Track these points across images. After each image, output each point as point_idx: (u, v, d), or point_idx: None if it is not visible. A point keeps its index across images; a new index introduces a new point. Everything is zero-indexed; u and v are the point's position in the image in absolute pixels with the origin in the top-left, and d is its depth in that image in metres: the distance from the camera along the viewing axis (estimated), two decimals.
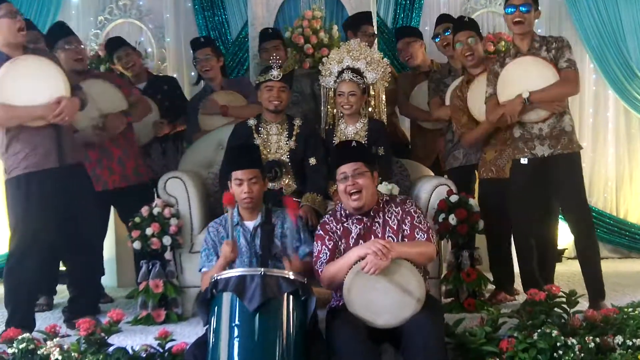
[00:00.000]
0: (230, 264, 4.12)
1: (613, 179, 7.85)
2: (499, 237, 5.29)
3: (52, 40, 5.50)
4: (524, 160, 4.88)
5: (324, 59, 5.49)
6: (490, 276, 5.25)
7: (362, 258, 3.77)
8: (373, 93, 5.35)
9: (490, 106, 4.97)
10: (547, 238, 5.19)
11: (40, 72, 4.62)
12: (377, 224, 4.07)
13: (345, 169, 4.05)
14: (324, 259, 4.04)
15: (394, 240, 4.00)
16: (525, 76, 4.80)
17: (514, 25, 4.86)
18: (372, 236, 4.02)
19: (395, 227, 4.05)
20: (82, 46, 5.69)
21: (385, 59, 5.44)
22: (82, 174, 4.92)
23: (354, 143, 4.23)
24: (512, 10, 4.81)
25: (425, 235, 3.99)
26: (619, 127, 7.85)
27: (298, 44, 6.67)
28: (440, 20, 6.19)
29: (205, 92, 6.27)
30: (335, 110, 5.35)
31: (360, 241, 4.00)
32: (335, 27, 6.82)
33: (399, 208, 4.09)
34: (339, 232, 4.09)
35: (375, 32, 6.67)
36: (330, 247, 4.06)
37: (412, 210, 4.07)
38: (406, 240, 4.00)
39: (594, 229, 5.09)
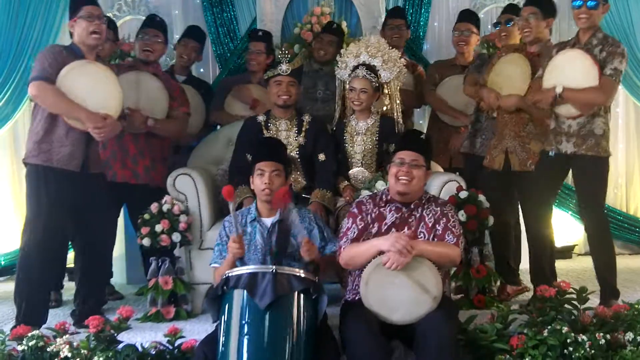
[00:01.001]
0: (241, 260, 4.09)
1: (623, 175, 7.81)
2: (498, 229, 5.26)
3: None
4: (551, 153, 4.88)
5: (341, 51, 5.48)
6: None
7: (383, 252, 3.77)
8: (387, 91, 5.34)
9: (534, 86, 4.97)
10: (547, 232, 5.15)
11: (105, 84, 4.70)
12: (413, 217, 4.07)
13: (405, 155, 4.05)
14: (351, 236, 4.04)
15: (425, 237, 4.01)
16: (569, 69, 4.75)
17: (577, 19, 4.81)
18: (406, 228, 4.01)
19: (430, 224, 4.04)
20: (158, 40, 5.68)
21: (402, 59, 5.42)
22: (101, 182, 4.95)
23: (423, 135, 4.22)
24: (579, 4, 4.76)
25: (455, 239, 3.98)
26: (629, 123, 7.81)
27: (307, 40, 6.66)
28: (506, 10, 6.11)
29: (241, 78, 6.36)
30: (347, 105, 5.34)
31: (393, 229, 3.99)
32: (344, 24, 6.81)
33: (439, 208, 4.09)
34: (372, 215, 4.08)
35: (406, 25, 6.65)
36: (360, 227, 4.06)
37: (449, 214, 4.07)
38: (436, 239, 4.00)
39: (608, 230, 5.02)
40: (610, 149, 4.84)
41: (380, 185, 4.80)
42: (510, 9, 5.93)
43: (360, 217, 4.09)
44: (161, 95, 5.48)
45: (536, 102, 4.89)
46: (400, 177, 4.01)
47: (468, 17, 6.42)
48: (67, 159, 4.65)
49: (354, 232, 4.04)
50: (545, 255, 5.01)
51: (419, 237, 4.01)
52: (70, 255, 5.88)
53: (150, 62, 5.56)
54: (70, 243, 5.53)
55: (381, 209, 4.10)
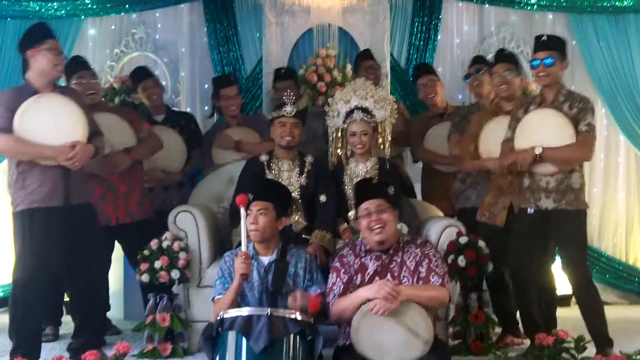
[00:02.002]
0: (238, 302, 4.10)
1: (623, 224, 7.79)
2: (500, 281, 5.26)
3: (68, 73, 5.54)
4: (530, 210, 4.87)
5: (329, 100, 5.50)
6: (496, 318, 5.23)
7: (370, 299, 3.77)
8: (379, 130, 5.36)
9: (504, 149, 4.96)
10: (546, 284, 5.14)
11: (63, 112, 4.64)
12: (394, 263, 4.08)
13: (369, 205, 4.08)
14: (337, 292, 4.06)
15: (409, 280, 4.01)
16: (543, 128, 4.79)
17: (537, 78, 4.89)
18: (389, 274, 4.03)
19: (412, 267, 4.05)
20: (95, 80, 5.73)
21: (392, 96, 5.47)
22: (89, 212, 4.92)
23: (375, 180, 4.25)
24: (537, 63, 4.82)
25: (440, 280, 3.98)
26: (629, 172, 7.79)
27: (311, 81, 6.71)
28: (475, 61, 6.18)
29: (219, 127, 6.36)
30: (342, 151, 5.35)
31: (376, 278, 4.01)
32: (349, 66, 6.86)
33: (419, 249, 4.10)
34: (355, 267, 4.10)
35: (379, 64, 6.76)
36: (344, 280, 4.07)
37: (430, 254, 4.08)
38: (421, 282, 4.00)
39: (592, 283, 5.00)
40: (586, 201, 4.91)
41: None
42: (479, 60, 6.09)
43: (343, 270, 4.11)
44: (120, 123, 5.57)
45: (512, 164, 4.87)
46: (373, 228, 4.04)
47: (427, 69, 6.69)
48: (49, 197, 4.62)
49: (340, 287, 4.06)
50: (534, 304, 4.98)
51: (403, 281, 4.01)
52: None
53: (93, 105, 5.48)
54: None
55: (362, 259, 4.12)
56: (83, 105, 4.81)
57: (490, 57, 6.40)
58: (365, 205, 4.09)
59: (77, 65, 5.70)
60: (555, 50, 4.83)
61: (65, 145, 4.56)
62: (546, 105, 4.85)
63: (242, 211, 4.14)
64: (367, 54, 6.78)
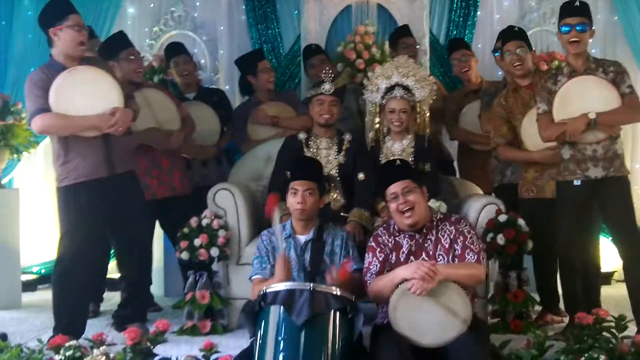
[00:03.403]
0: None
1: None
2: (545, 257, 5.23)
3: (113, 50, 5.59)
4: (577, 182, 4.80)
5: (369, 74, 5.47)
6: (537, 296, 5.20)
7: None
8: (418, 110, 5.33)
9: (544, 123, 4.84)
10: (592, 261, 5.09)
11: (96, 83, 4.68)
12: (429, 241, 4.06)
13: (394, 188, 4.05)
14: (374, 271, 4.05)
15: (444, 259, 4.00)
16: (587, 96, 4.70)
17: (569, 45, 4.78)
18: (423, 253, 4.02)
19: (447, 246, 4.03)
20: (140, 58, 5.81)
21: (432, 77, 5.43)
22: (133, 181, 4.96)
23: (398, 162, 4.22)
24: (568, 29, 4.73)
25: (476, 256, 3.96)
26: None
27: (350, 59, 6.68)
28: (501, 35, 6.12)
29: (251, 104, 6.36)
30: (379, 127, 5.34)
31: (411, 257, 4.00)
32: (388, 43, 6.82)
33: (453, 227, 4.08)
34: (390, 245, 4.09)
35: (417, 41, 6.76)
36: (380, 259, 4.07)
37: (465, 230, 4.06)
38: (457, 260, 3.98)
39: None
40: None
41: None
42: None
43: (378, 249, 4.11)
44: (167, 101, 5.70)
45: (560, 135, 4.77)
46: (402, 211, 4.00)
47: (461, 44, 6.62)
48: (94, 168, 4.67)
49: (376, 266, 4.06)
50: (577, 282, 4.93)
51: (439, 260, 3.99)
52: (111, 266, 5.96)
53: (138, 83, 5.66)
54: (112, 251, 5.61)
55: (396, 238, 4.10)
56: (111, 72, 4.88)
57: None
58: (391, 189, 4.06)
59: (126, 42, 5.78)
60: (586, 16, 4.75)
61: (105, 113, 4.61)
62: (578, 74, 4.77)
63: (276, 216, 4.13)
64: (405, 31, 6.75)
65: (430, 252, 4.03)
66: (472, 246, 3.99)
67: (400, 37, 6.67)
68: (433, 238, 4.06)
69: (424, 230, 4.06)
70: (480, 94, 6.08)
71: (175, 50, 6.56)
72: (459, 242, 4.01)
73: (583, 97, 4.71)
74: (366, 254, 4.16)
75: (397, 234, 4.11)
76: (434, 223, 4.10)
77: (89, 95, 4.63)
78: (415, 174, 4.25)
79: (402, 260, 4.03)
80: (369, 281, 4.05)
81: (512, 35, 5.43)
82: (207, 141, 6.16)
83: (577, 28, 4.71)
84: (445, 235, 4.06)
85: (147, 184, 5.42)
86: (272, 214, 4.21)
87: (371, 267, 4.07)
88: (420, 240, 4.05)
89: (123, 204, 4.82)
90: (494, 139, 5.41)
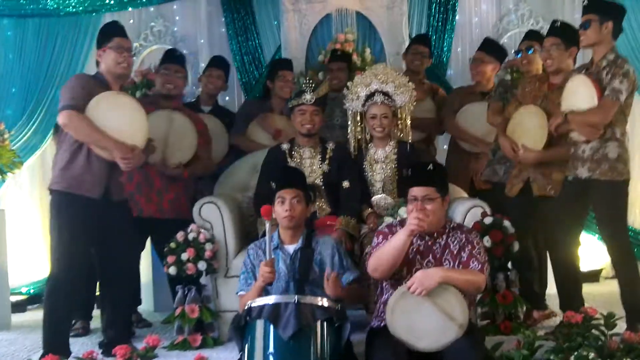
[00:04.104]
0: (265, 289, 4.12)
1: None
2: (524, 255, 5.24)
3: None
4: (570, 178, 4.88)
5: (348, 83, 5.47)
6: None
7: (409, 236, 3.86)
8: (399, 116, 5.35)
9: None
10: (569, 258, 5.10)
11: (132, 115, 4.78)
12: (438, 244, 4.07)
13: (416, 192, 4.03)
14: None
15: (450, 264, 4.01)
16: (577, 93, 4.78)
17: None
18: (430, 255, 4.04)
19: (455, 252, 4.04)
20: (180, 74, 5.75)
21: (410, 83, 5.42)
22: (125, 209, 4.99)
23: (430, 167, 4.15)
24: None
25: (480, 266, 3.97)
26: None
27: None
28: (527, 36, 6.11)
29: (264, 105, 6.40)
30: (362, 135, 5.35)
31: (418, 257, 4.01)
32: (368, 50, 6.86)
33: (464, 235, 4.09)
34: None
35: (430, 54, 6.75)
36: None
37: (474, 241, 4.07)
38: (461, 266, 4.00)
39: (632, 254, 4.96)
40: (630, 172, 4.83)
41: (403, 211, 4.78)
42: (532, 36, 5.93)
43: (390, 235, 4.08)
44: (191, 133, 5.58)
45: (556, 128, 4.87)
46: (417, 217, 3.98)
47: (482, 46, 6.46)
48: (90, 186, 4.68)
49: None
50: (570, 280, 4.97)
51: (445, 264, 4.01)
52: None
53: (172, 97, 5.63)
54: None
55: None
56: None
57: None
58: (413, 191, 4.04)
59: (168, 58, 5.86)
60: (593, 12, 4.75)
61: (126, 145, 4.66)
62: (591, 70, 4.81)
63: (267, 224, 4.14)
64: (421, 39, 6.80)
65: (438, 255, 4.04)
66: (478, 256, 4.00)
67: (414, 44, 6.68)
68: (442, 242, 4.07)
69: (435, 235, 4.07)
70: (501, 80, 6.04)
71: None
72: (467, 250, 4.02)
73: (572, 94, 4.80)
74: (375, 237, 4.16)
75: None
76: (447, 230, 4.11)
77: (121, 122, 4.70)
78: (441, 182, 4.17)
79: (410, 257, 4.02)
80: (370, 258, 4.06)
81: (551, 31, 5.28)
82: (213, 158, 6.04)
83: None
84: (455, 242, 4.06)
85: (136, 200, 5.41)
86: (268, 215, 4.16)
87: (380, 247, 4.06)
88: (430, 243, 4.06)
89: (111, 230, 4.81)
90: (498, 120, 5.49)
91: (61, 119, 4.66)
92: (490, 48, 6.35)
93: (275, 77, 6.35)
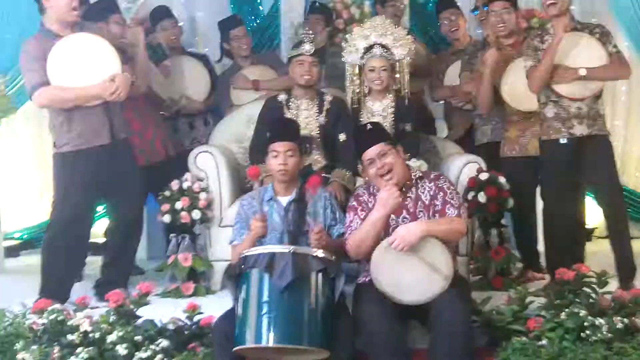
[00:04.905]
0: (260, 240, 4.12)
1: None
2: (525, 215, 5.27)
3: (102, 14, 5.38)
4: (563, 140, 4.82)
5: (347, 36, 5.41)
6: (517, 254, 5.25)
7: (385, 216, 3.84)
8: (397, 69, 5.30)
9: (532, 75, 4.85)
10: (577, 218, 5.13)
11: (92, 50, 4.62)
12: (409, 199, 4.05)
13: (370, 154, 4.02)
14: (354, 228, 4.04)
15: (425, 215, 3.99)
16: (575, 52, 4.73)
17: (547, 8, 4.79)
18: (404, 211, 4.01)
19: (427, 202, 4.02)
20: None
21: (409, 36, 5.38)
22: (128, 149, 4.95)
23: (369, 126, 4.20)
24: None
25: (457, 211, 3.96)
26: None
27: None
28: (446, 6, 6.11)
29: (231, 70, 6.36)
30: (360, 88, 5.30)
31: (392, 215, 3.97)
32: (367, 3, 6.79)
33: (432, 184, 4.07)
34: (370, 205, 4.06)
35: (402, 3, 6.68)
36: (362, 217, 4.04)
37: (444, 186, 4.05)
38: (437, 215, 3.98)
39: (625, 211, 5.04)
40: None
41: None
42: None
43: (360, 208, 4.09)
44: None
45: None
46: (382, 175, 3.98)
47: (450, 3, 6.45)
48: (95, 135, 4.65)
49: (357, 224, 4.03)
50: (560, 239, 4.97)
51: (419, 217, 3.99)
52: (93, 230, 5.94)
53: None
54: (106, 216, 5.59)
55: (377, 197, 4.05)
56: (104, 35, 4.78)
57: None
58: (367, 155, 4.03)
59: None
60: None
61: (105, 81, 4.55)
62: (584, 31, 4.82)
63: (256, 185, 4.12)
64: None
65: (411, 210, 4.02)
66: (452, 201, 3.99)
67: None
68: (413, 196, 4.05)
69: (404, 189, 4.05)
70: (464, 48, 6.06)
71: (162, 13, 6.36)
72: (439, 197, 4.01)
73: (572, 54, 4.73)
74: (347, 214, 4.15)
75: (377, 193, 4.10)
76: (414, 181, 4.10)
77: (86, 64, 4.57)
78: (387, 135, 4.21)
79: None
80: (349, 239, 4.05)
81: None
82: (194, 96, 6.15)
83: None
84: (425, 192, 4.05)
85: (142, 149, 5.42)
86: (256, 177, 4.17)
87: (352, 224, 4.06)
88: (400, 199, 4.04)
89: (119, 173, 4.79)
90: (470, 89, 5.47)
91: (36, 102, 4.62)
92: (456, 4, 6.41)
93: (228, 39, 6.33)
